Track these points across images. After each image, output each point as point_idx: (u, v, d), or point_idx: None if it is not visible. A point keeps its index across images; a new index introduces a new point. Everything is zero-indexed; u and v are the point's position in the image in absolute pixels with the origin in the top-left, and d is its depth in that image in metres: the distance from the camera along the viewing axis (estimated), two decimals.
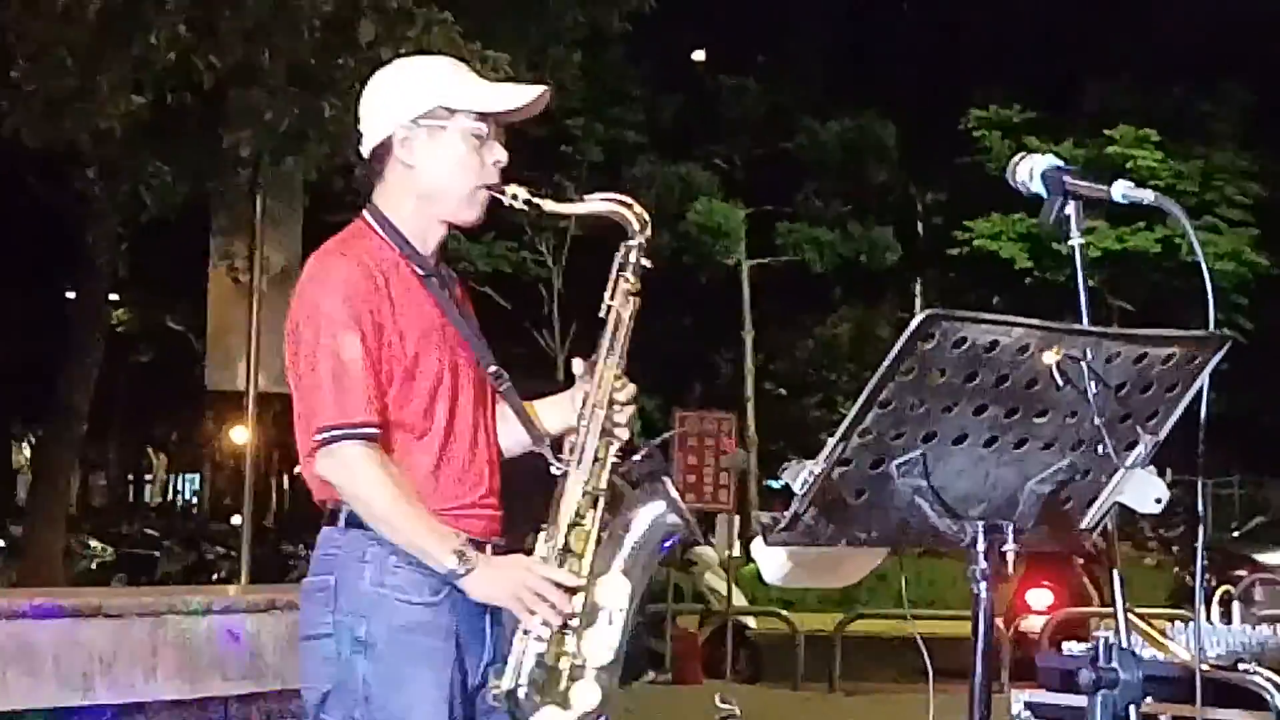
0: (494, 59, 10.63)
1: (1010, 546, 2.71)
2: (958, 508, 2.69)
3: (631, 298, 3.47)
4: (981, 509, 2.71)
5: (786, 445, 30.47)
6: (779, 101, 31.91)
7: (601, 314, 3.47)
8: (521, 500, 3.60)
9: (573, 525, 3.36)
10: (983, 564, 2.69)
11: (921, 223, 34.51)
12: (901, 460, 2.63)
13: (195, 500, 50.44)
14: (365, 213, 3.52)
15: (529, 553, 3.40)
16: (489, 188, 3.49)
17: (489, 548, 3.43)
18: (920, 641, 3.23)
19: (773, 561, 2.92)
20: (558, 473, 3.42)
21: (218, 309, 10.22)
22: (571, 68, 14.36)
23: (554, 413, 3.59)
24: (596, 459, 3.40)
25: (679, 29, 27.88)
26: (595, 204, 3.55)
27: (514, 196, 3.49)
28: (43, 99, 10.04)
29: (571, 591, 3.31)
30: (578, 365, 3.50)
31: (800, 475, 2.62)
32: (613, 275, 3.48)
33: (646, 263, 3.48)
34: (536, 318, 28.89)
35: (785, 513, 2.67)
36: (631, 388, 3.48)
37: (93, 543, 23.19)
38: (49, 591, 7.65)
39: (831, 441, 2.60)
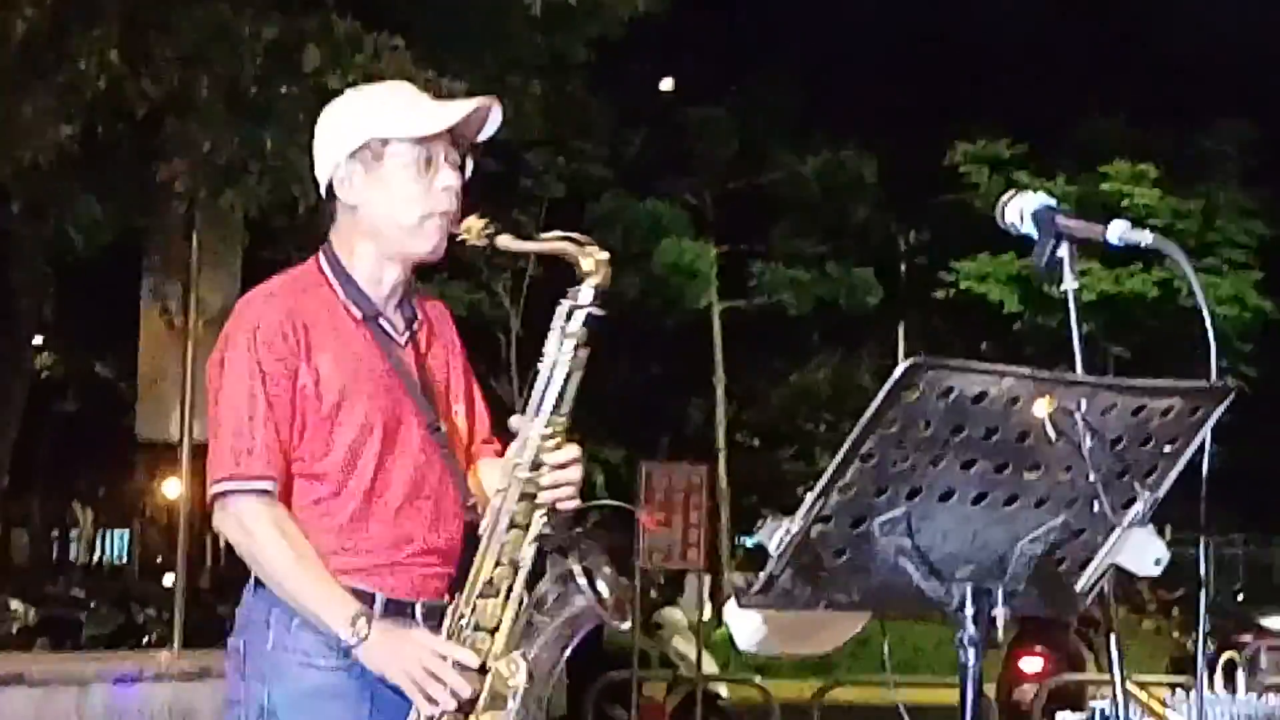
0: (448, 87, 10.64)
1: (1000, 610, 2.71)
2: (944, 569, 2.69)
3: (578, 349, 3.39)
4: (969, 570, 2.71)
5: (761, 500, 30.48)
6: (752, 134, 32.03)
7: (539, 364, 3.41)
8: None
9: (483, 596, 3.34)
10: (971, 629, 2.69)
11: (904, 263, 34.63)
12: (884, 518, 2.63)
13: (125, 558, 50.14)
14: (320, 253, 3.55)
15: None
16: (440, 217, 3.46)
17: (417, 607, 3.41)
18: (903, 711, 3.22)
19: (746, 626, 2.92)
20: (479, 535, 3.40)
21: (150, 354, 10.19)
22: (531, 97, 14.38)
23: (497, 474, 3.52)
24: (515, 524, 3.37)
25: (646, 57, 27.97)
26: (552, 243, 3.50)
27: (469, 230, 3.46)
28: None
29: (471, 670, 3.29)
30: (514, 423, 3.45)
31: (776, 534, 2.61)
32: (555, 323, 3.40)
33: (598, 310, 3.39)
34: (493, 364, 28.87)
35: (760, 574, 2.66)
36: (570, 450, 3.41)
37: (13, 604, 22.98)
38: None
39: (809, 497, 2.59)
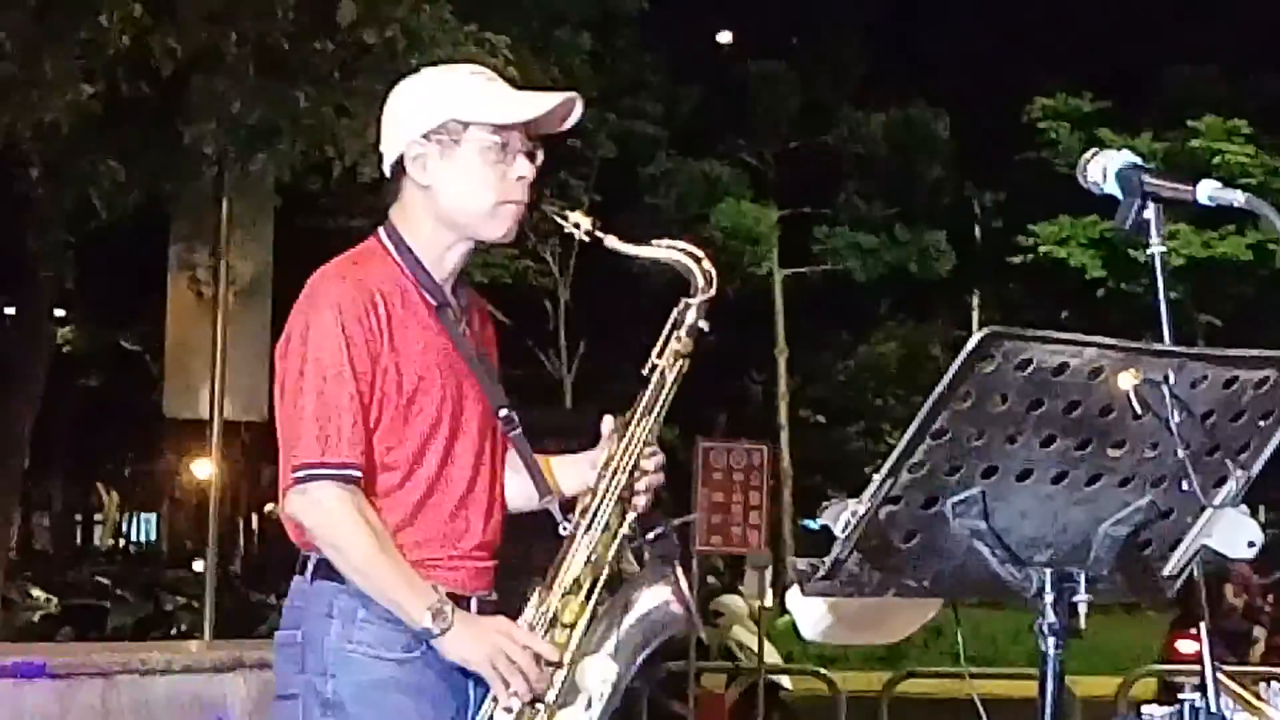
0: (492, 42, 10.65)
1: (1082, 597, 2.71)
2: (1022, 553, 2.69)
3: (680, 359, 3.57)
4: (1049, 554, 2.71)
5: (825, 480, 30.47)
6: (815, 89, 31.96)
7: (646, 372, 3.58)
8: (525, 548, 3.65)
9: (568, 594, 3.47)
10: (1051, 617, 2.69)
11: (979, 226, 34.53)
12: (958, 499, 2.63)
13: (152, 543, 50.50)
14: (381, 231, 3.64)
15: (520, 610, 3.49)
16: (513, 205, 3.59)
17: (473, 602, 3.53)
18: (979, 704, 3.22)
19: (811, 614, 2.93)
20: (564, 534, 3.53)
21: (177, 326, 10.25)
22: (580, 52, 14.42)
23: (571, 471, 3.70)
24: (607, 527, 3.52)
25: (702, 8, 27.98)
26: (663, 250, 3.64)
27: (576, 225, 3.62)
28: None
29: (552, 665, 3.43)
30: (608, 423, 3.60)
31: (842, 516, 2.62)
32: (666, 332, 3.58)
33: (704, 324, 3.58)
34: (539, 336, 28.91)
35: (825, 558, 2.67)
36: (660, 456, 3.60)
37: (35, 592, 23.19)
38: None
39: (878, 477, 2.59)
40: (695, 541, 13.87)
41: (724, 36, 32.46)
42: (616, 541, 3.51)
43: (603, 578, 3.48)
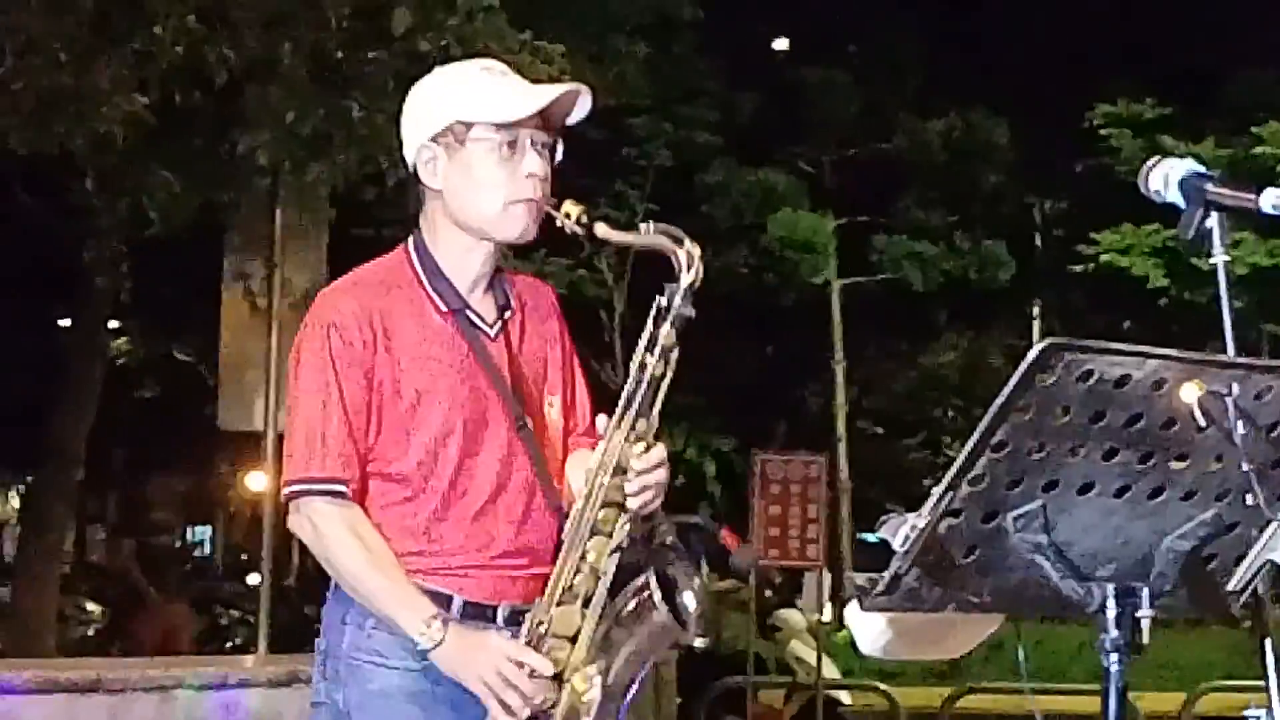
0: (546, 50, 10.67)
1: (1145, 612, 2.70)
2: (1084, 567, 2.68)
3: (668, 351, 3.48)
4: (1112, 569, 2.70)
5: (884, 493, 30.37)
6: (873, 96, 31.88)
7: (631, 364, 3.51)
8: None
9: (562, 604, 3.44)
10: (1114, 633, 2.68)
11: (1040, 235, 34.39)
12: (1018, 512, 2.62)
13: (206, 556, 50.68)
14: (410, 239, 3.66)
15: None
16: (526, 204, 3.55)
17: (500, 610, 3.51)
18: None
19: (870, 629, 2.92)
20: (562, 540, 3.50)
21: (232, 338, 10.29)
22: (635, 60, 14.42)
23: (579, 471, 3.63)
24: (598, 531, 3.46)
25: (758, 15, 27.95)
26: (648, 236, 3.58)
27: (566, 215, 3.55)
28: (32, 99, 10.13)
29: (548, 679, 3.40)
30: (601, 422, 3.54)
31: (901, 530, 2.61)
32: (651, 323, 3.48)
33: (689, 311, 3.46)
34: (596, 346, 28.91)
35: (884, 573, 2.66)
36: (656, 453, 3.49)
37: (90, 605, 23.30)
38: (40, 663, 7.72)
39: (937, 490, 2.59)
40: (751, 549, 13.82)
41: (781, 43, 32.40)
42: (613, 546, 3.45)
43: (602, 584, 3.44)
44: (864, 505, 30.53)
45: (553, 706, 3.40)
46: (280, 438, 10.04)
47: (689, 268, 3.47)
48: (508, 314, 3.65)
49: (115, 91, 10.13)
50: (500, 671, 3.38)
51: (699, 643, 3.46)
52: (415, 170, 3.61)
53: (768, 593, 16.84)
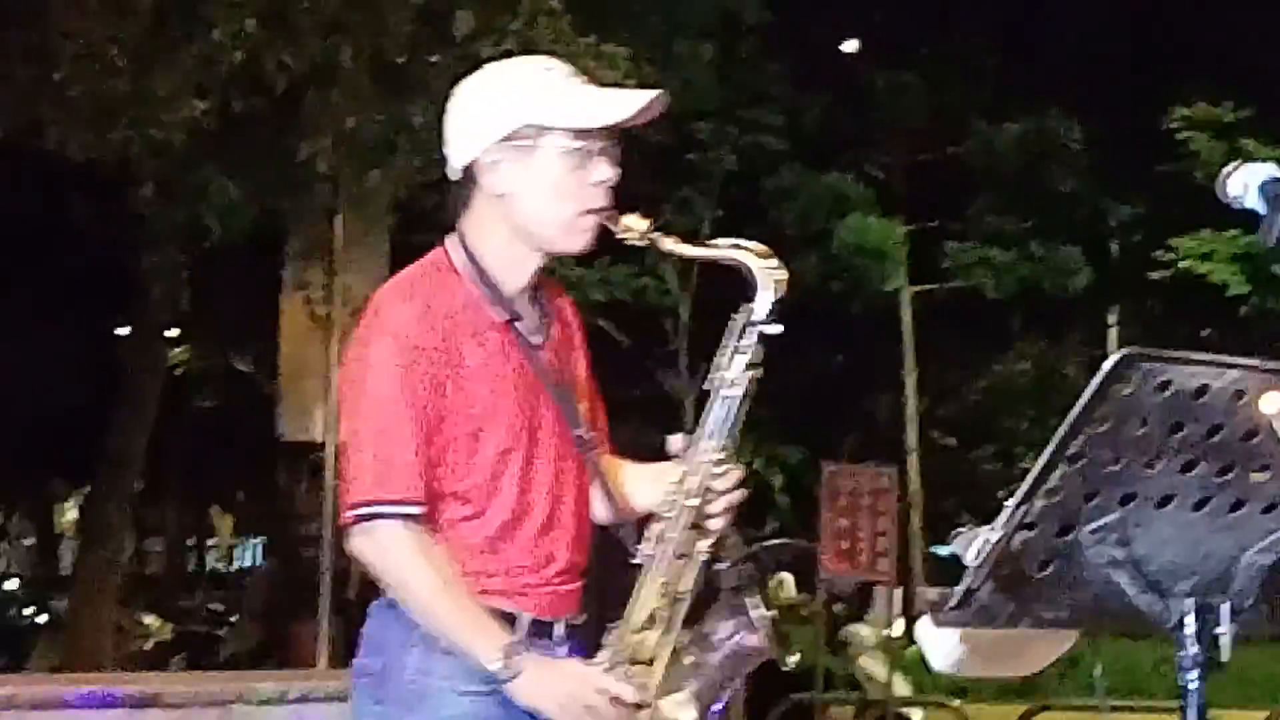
0: (610, 55, 10.69)
1: (1225, 629, 2.68)
2: (1162, 582, 2.67)
3: (750, 369, 3.42)
4: (1191, 584, 2.69)
5: (956, 505, 30.30)
6: (945, 100, 31.80)
7: (706, 385, 3.45)
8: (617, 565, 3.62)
9: (644, 629, 3.39)
10: (1193, 649, 2.67)
11: (1116, 241, 34.21)
12: (1095, 526, 2.61)
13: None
14: (448, 242, 3.55)
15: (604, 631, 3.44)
16: (596, 214, 3.48)
17: (559, 626, 3.47)
18: None
19: (942, 646, 2.92)
20: (637, 563, 3.45)
21: (292, 347, 10.36)
22: (701, 63, 14.41)
23: (644, 485, 3.59)
24: (682, 555, 3.41)
25: (827, 16, 27.89)
26: (723, 250, 3.51)
27: (627, 229, 3.48)
28: (91, 105, 10.20)
29: (632, 708, 3.35)
30: (674, 442, 3.49)
31: (974, 544, 2.60)
32: (730, 340, 3.44)
33: (774, 329, 3.42)
34: (660, 355, 28.93)
35: (956, 588, 2.66)
36: (735, 475, 3.46)
37: (148, 618, 23.46)
38: (99, 677, 7.77)
39: (1011, 503, 2.58)
40: (820, 566, 13.84)
41: (850, 45, 32.33)
42: (695, 569, 3.42)
43: (682, 609, 3.40)
44: (935, 518, 30.47)
45: None
46: (342, 449, 10.13)
47: (772, 285, 3.43)
48: (549, 322, 3.58)
49: (174, 97, 10.20)
50: (581, 699, 3.32)
51: (790, 661, 3.45)
52: (470, 172, 3.51)
53: (837, 607, 16.82)
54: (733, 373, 3.42)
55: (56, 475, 39.74)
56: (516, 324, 3.49)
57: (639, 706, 3.35)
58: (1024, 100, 31.27)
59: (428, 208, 12.05)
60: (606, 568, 3.60)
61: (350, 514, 3.38)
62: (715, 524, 3.44)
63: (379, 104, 10.53)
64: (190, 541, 49.40)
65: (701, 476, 3.42)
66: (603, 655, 3.40)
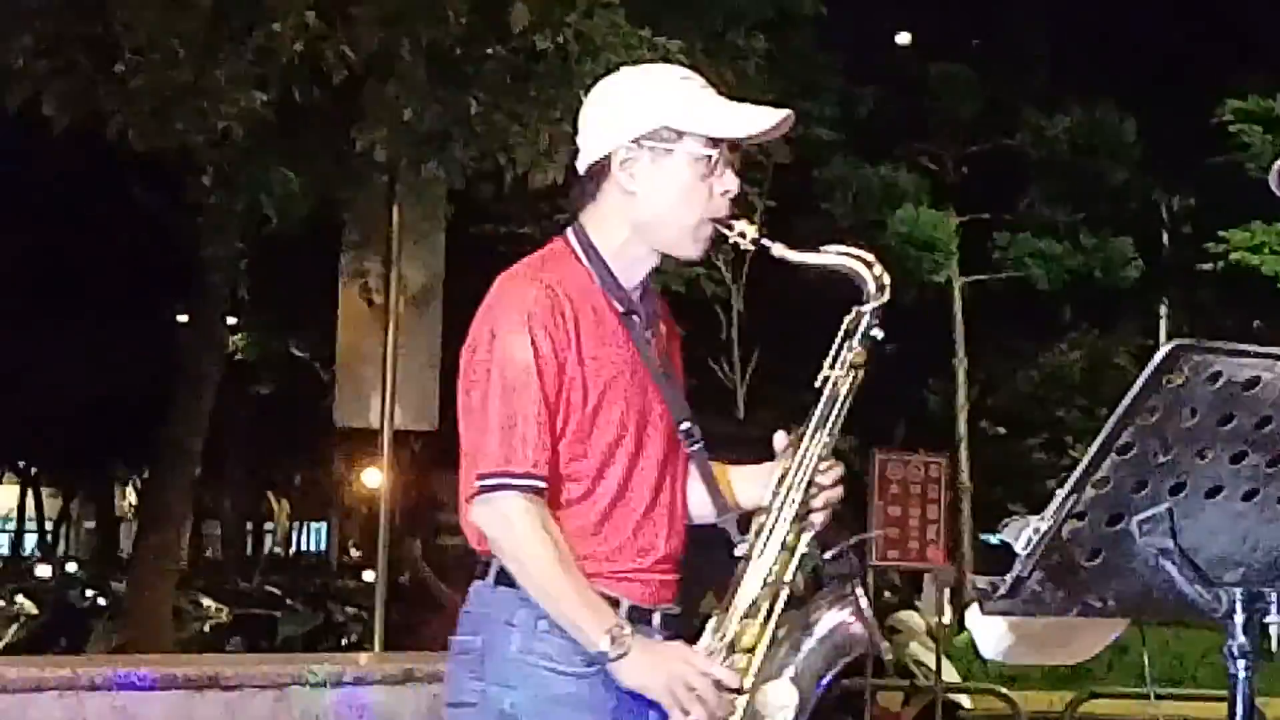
0: (665, 47, 10.68)
1: (1274, 618, 2.68)
2: (1211, 572, 2.66)
3: (855, 370, 3.54)
4: (1239, 573, 2.68)
5: (1006, 494, 30.19)
6: (997, 91, 31.68)
7: (818, 384, 3.55)
8: (704, 559, 3.65)
9: (746, 617, 3.44)
10: (1241, 639, 2.66)
11: (1167, 232, 34.05)
12: (1144, 516, 2.60)
13: (321, 553, 51.14)
14: (569, 233, 3.61)
15: (702, 623, 3.47)
16: (717, 223, 3.57)
17: (656, 615, 3.53)
18: None
19: (991, 633, 2.92)
20: (740, 554, 3.50)
21: (349, 335, 10.37)
22: (754, 55, 14.37)
23: (749, 486, 3.66)
24: (784, 547, 3.49)
25: (879, 9, 27.83)
26: (833, 257, 3.59)
27: (741, 234, 3.57)
28: (151, 96, 10.24)
29: (733, 692, 3.39)
30: (780, 439, 3.57)
31: (1024, 533, 2.60)
32: (838, 342, 3.55)
33: (879, 333, 3.55)
34: (712, 345, 28.89)
35: (1006, 576, 2.66)
36: (838, 470, 3.56)
37: (206, 601, 23.55)
38: (157, 659, 7.80)
39: (1061, 493, 2.58)
40: (872, 556, 13.82)
41: (903, 37, 32.24)
42: (795, 561, 3.48)
43: (782, 599, 3.45)
44: (985, 507, 30.38)
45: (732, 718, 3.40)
46: (397, 435, 10.15)
47: (879, 290, 3.54)
48: (656, 320, 3.66)
49: (234, 88, 10.23)
50: (687, 681, 3.37)
51: (887, 654, 3.55)
52: (603, 166, 3.56)
53: (887, 594, 16.80)
54: (840, 371, 3.54)
55: (117, 460, 39.99)
56: (633, 317, 3.57)
57: (739, 691, 3.40)
58: (1076, 92, 31.16)
59: (483, 198, 12.08)
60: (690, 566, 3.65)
61: (477, 484, 3.43)
62: (817, 518, 3.52)
63: (436, 95, 10.53)
64: (248, 526, 49.67)
65: (808, 471, 3.51)
66: (705, 640, 3.45)
